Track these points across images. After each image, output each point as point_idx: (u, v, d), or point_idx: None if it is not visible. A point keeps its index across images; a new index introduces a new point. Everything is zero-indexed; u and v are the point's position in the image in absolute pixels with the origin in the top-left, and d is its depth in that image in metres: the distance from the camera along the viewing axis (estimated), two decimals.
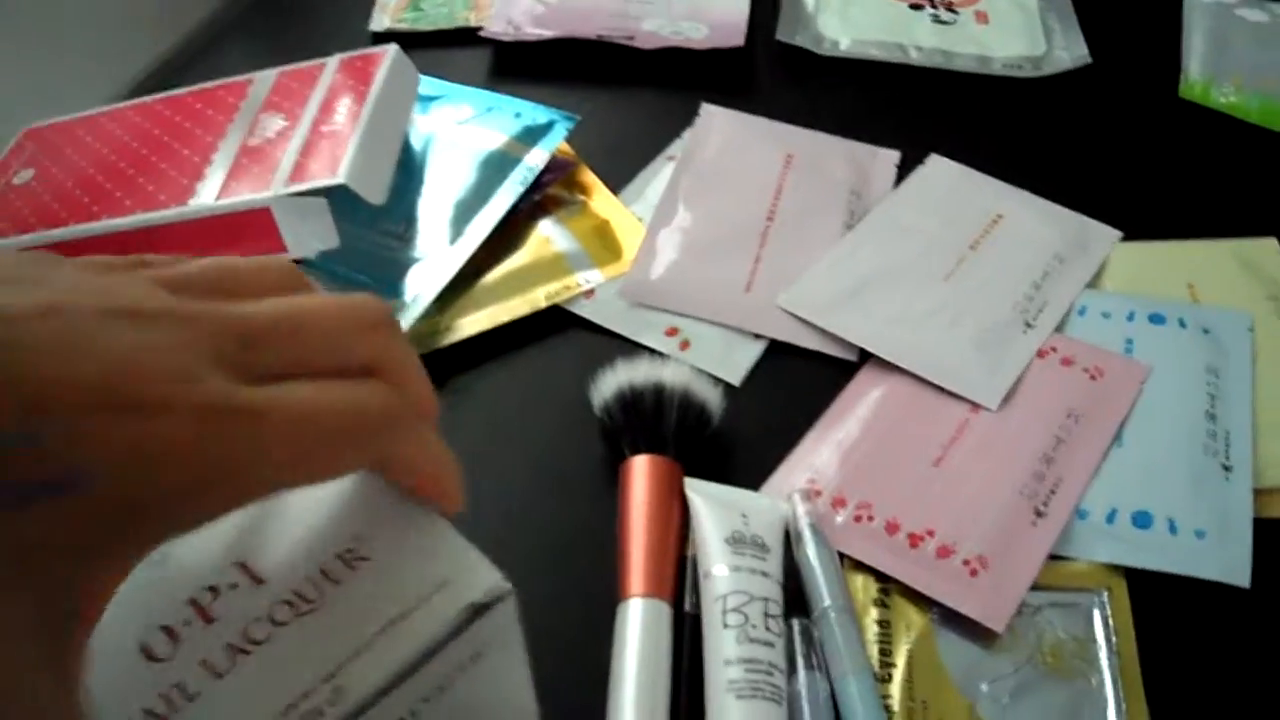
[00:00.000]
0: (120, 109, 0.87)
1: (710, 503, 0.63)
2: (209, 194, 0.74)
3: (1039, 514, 0.64)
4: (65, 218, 0.77)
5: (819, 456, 0.68)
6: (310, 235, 0.73)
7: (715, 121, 0.88)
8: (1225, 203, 0.83)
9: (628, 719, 0.54)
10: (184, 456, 0.29)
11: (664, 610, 0.59)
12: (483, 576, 0.36)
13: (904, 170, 0.85)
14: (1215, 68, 0.92)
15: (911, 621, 0.60)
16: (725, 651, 0.56)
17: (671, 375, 0.67)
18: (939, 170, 0.85)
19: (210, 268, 0.34)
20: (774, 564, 0.61)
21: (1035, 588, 0.62)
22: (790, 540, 0.63)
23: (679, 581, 0.61)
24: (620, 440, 0.66)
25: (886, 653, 0.59)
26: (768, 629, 0.57)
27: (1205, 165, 0.86)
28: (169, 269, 0.33)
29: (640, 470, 0.64)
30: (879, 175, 0.85)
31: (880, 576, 0.62)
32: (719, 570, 0.59)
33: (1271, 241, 0.79)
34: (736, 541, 0.60)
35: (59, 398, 0.27)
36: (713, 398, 0.68)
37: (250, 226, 0.73)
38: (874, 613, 0.61)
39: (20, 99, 0.91)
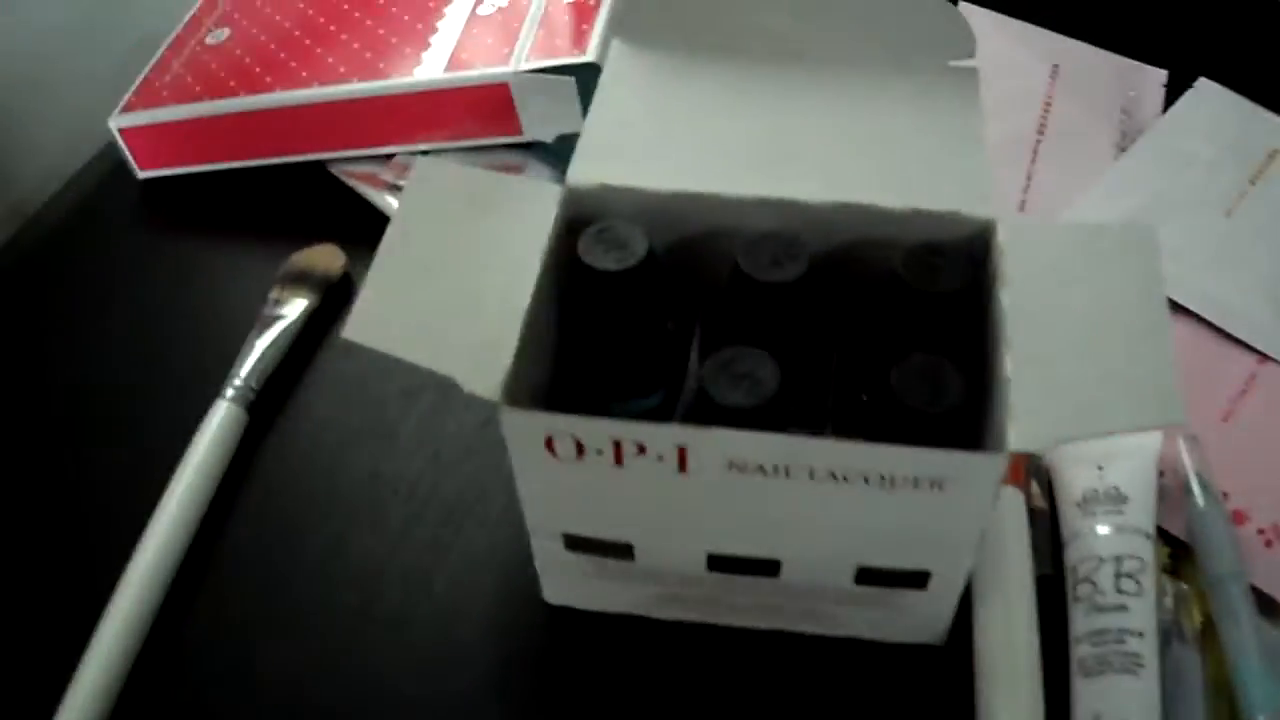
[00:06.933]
0: None
1: (1066, 461, 0.57)
2: (436, 64, 0.68)
3: None
4: (270, 82, 0.71)
5: None
6: (551, 117, 0.67)
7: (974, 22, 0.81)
8: None
9: None
10: None
11: None
12: None
13: (1171, 93, 0.78)
14: None
15: (1202, 592, 0.54)
16: (1075, 628, 0.52)
17: None
18: (1210, 96, 0.77)
19: None
20: (1136, 513, 0.54)
21: None
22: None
23: None
24: None
25: (1179, 624, 0.53)
26: (1119, 590, 0.52)
27: None
28: None
29: None
30: (1149, 95, 0.78)
31: (1171, 540, 0.56)
32: (1070, 537, 0.55)
33: None
34: (1088, 500, 0.55)
35: None
36: None
37: (483, 103, 0.67)
38: (1163, 578, 0.55)
39: None
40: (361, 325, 0.43)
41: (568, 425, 0.42)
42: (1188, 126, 0.75)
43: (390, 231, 0.46)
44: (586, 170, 0.48)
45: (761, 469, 0.42)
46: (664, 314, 0.50)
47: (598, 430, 0.42)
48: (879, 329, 0.48)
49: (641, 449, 0.42)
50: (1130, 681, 0.49)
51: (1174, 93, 0.78)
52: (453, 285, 0.44)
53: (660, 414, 0.50)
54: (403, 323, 0.44)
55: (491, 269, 0.45)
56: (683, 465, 0.42)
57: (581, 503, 0.47)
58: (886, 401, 0.43)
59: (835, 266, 0.48)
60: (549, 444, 0.43)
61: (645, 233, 0.46)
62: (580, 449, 0.43)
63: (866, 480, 0.42)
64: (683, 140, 0.50)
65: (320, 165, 0.73)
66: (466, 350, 0.42)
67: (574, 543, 0.49)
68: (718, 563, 0.49)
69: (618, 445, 0.42)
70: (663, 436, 0.42)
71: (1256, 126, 0.75)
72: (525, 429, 0.43)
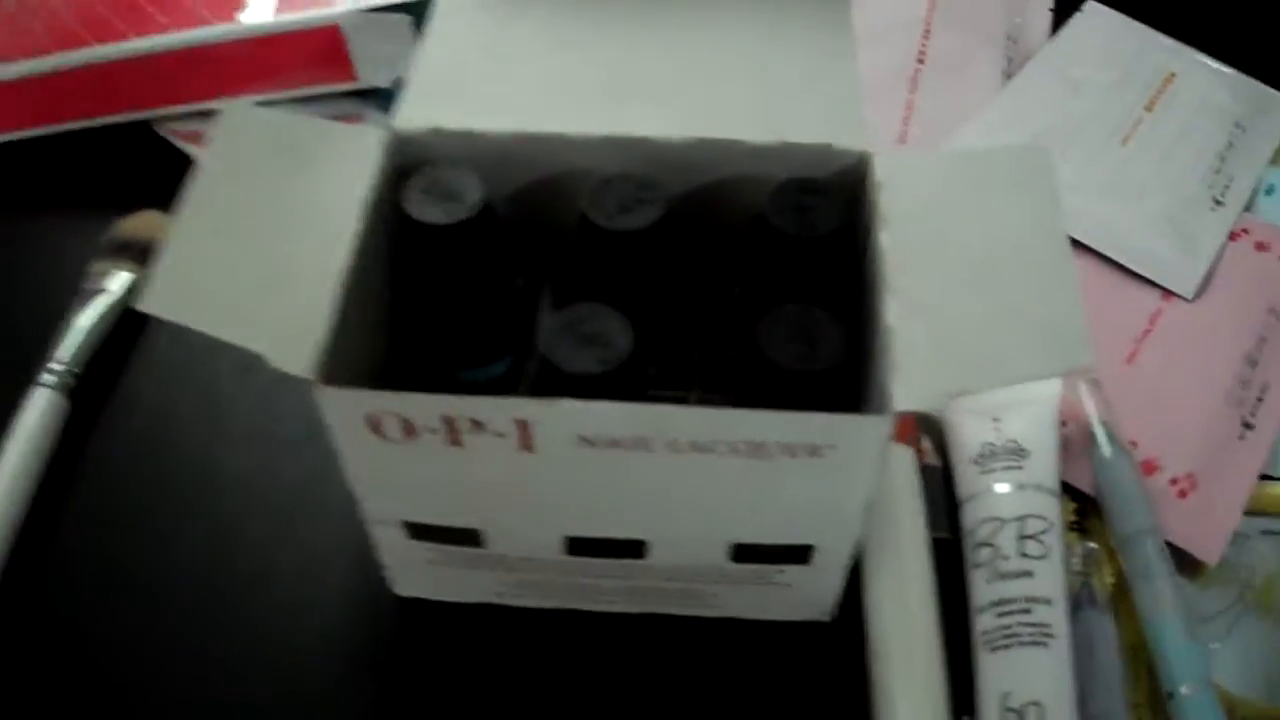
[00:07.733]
0: None
1: (960, 414, 0.53)
2: (263, 8, 0.62)
3: (1247, 425, 0.56)
4: (85, 36, 0.65)
5: None
6: (387, 60, 0.62)
7: None
8: None
9: None
10: None
11: None
12: None
13: (1059, 16, 0.74)
14: None
15: (1112, 550, 0.51)
16: (976, 597, 0.48)
17: None
18: (1099, 19, 0.73)
19: None
20: (1037, 468, 0.51)
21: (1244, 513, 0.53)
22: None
23: None
24: None
25: (1089, 586, 0.49)
26: (1023, 554, 0.48)
27: None
28: None
29: None
30: (1035, 20, 0.73)
31: (1077, 495, 0.53)
32: (966, 496, 0.51)
33: None
34: (985, 458, 0.51)
35: None
36: None
37: (313, 48, 0.62)
38: (1069, 537, 0.51)
39: None
40: (160, 296, 0.38)
41: (391, 403, 0.37)
42: (1077, 51, 0.71)
43: (192, 188, 0.40)
44: (416, 113, 0.43)
45: (616, 442, 0.37)
46: (507, 271, 0.45)
47: (426, 407, 0.37)
48: (745, 279, 0.43)
49: (478, 426, 0.37)
50: (1039, 655, 0.46)
51: (1061, 16, 0.74)
52: (263, 247, 0.39)
53: (509, 382, 0.45)
54: (207, 292, 0.38)
55: (307, 227, 0.39)
56: (527, 442, 0.37)
57: (418, 488, 0.42)
58: (755, 360, 0.38)
59: (695, 210, 0.44)
60: (374, 425, 0.38)
61: (480, 180, 0.41)
62: (409, 429, 0.37)
63: (735, 450, 0.37)
64: (522, 77, 0.45)
65: (144, 125, 0.67)
66: (277, 321, 0.37)
67: (417, 531, 0.44)
68: (577, 546, 0.44)
69: (450, 423, 0.37)
70: (500, 411, 0.37)
71: (1149, 49, 0.71)
72: (345, 409, 0.38)
